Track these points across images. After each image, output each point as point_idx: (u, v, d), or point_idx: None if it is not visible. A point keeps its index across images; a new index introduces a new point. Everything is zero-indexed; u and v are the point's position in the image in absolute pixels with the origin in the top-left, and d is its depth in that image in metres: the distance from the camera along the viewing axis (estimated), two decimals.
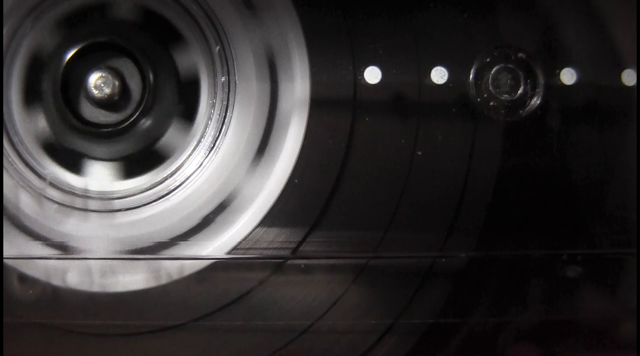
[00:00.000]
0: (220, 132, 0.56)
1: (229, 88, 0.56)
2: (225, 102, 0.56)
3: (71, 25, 0.57)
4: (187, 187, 0.56)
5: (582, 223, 0.56)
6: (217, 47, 0.56)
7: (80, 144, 0.58)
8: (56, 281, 0.54)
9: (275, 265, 0.55)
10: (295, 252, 0.55)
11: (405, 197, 0.55)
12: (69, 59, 0.56)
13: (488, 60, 0.55)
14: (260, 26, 0.55)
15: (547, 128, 0.56)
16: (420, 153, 0.55)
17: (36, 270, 0.54)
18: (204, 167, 0.56)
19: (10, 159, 0.56)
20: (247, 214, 0.55)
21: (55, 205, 0.55)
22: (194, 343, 0.55)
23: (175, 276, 0.54)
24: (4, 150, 0.55)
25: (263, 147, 0.56)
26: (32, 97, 0.57)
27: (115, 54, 0.57)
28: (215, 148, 0.56)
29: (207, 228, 0.55)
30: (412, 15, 0.55)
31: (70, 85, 0.57)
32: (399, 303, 0.55)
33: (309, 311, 0.55)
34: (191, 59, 0.57)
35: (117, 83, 0.56)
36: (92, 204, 0.56)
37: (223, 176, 0.56)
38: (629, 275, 0.56)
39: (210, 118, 0.56)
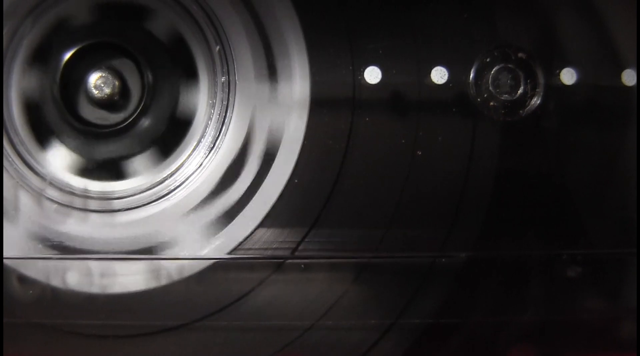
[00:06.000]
0: (220, 132, 0.56)
1: (229, 88, 0.56)
2: (225, 102, 0.56)
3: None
4: (187, 187, 0.56)
5: (582, 223, 0.56)
6: (217, 47, 0.56)
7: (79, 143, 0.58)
8: (56, 282, 0.54)
9: (275, 265, 0.55)
10: (295, 252, 0.55)
11: (405, 197, 0.55)
12: (69, 59, 0.56)
13: (488, 60, 0.55)
14: (260, 26, 0.55)
15: (547, 128, 0.56)
16: (420, 153, 0.55)
17: (36, 270, 0.54)
18: (204, 167, 0.56)
19: (10, 159, 0.56)
20: (247, 214, 0.55)
21: (55, 205, 0.55)
22: (195, 343, 0.55)
23: (176, 276, 0.54)
24: (4, 150, 0.55)
25: (263, 147, 0.55)
26: (32, 95, 0.57)
27: (115, 54, 0.57)
28: (215, 148, 0.56)
29: (207, 228, 0.55)
30: (412, 16, 0.55)
31: (70, 85, 0.57)
32: (399, 303, 0.55)
33: (309, 311, 0.55)
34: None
35: (117, 83, 0.56)
36: (92, 204, 0.56)
37: (223, 176, 0.56)
38: (629, 275, 0.56)
39: (210, 118, 0.56)
